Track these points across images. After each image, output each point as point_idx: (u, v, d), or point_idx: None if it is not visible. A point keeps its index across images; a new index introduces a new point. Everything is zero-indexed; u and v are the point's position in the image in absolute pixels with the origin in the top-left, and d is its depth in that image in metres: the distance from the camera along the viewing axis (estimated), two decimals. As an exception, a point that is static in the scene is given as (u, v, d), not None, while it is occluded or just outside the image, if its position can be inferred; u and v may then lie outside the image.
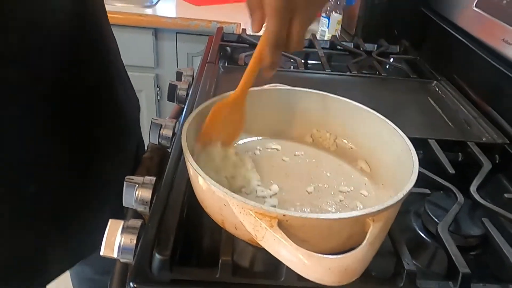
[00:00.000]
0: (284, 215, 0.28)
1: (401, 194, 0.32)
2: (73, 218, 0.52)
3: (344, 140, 0.47)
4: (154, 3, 1.29)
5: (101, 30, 0.52)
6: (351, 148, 0.47)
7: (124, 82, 0.62)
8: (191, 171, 0.36)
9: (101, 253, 0.39)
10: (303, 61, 0.81)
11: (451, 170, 0.48)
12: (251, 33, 0.97)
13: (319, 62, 0.80)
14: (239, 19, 1.19)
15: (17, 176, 0.44)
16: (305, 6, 0.35)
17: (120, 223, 0.40)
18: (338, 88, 0.71)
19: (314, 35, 0.91)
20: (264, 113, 0.48)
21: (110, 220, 0.40)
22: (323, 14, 1.00)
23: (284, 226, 0.29)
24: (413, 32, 0.92)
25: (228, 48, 0.88)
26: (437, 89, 0.72)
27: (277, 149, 0.47)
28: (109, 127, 0.55)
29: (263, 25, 0.37)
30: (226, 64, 0.81)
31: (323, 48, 0.86)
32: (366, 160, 0.45)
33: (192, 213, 0.42)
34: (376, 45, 0.90)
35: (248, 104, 0.46)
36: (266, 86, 0.49)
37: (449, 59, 0.80)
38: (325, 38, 1.00)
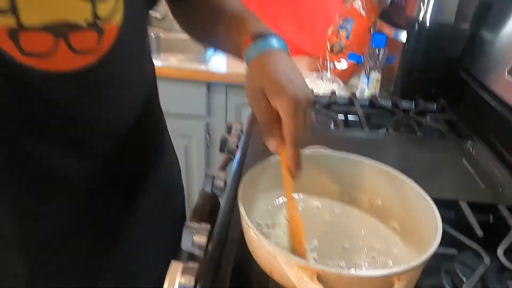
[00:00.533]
0: (322, 270, 0.35)
1: (424, 257, 0.37)
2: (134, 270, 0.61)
3: (378, 201, 0.53)
4: (207, 59, 1.43)
5: (152, 97, 0.61)
6: (384, 208, 0.52)
7: (169, 146, 0.70)
8: (244, 225, 0.43)
9: (163, 291, 0.46)
10: (342, 119, 0.88)
11: (479, 234, 0.52)
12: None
13: (358, 120, 0.87)
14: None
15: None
16: (308, 104, 0.43)
17: (180, 264, 0.47)
18: (376, 146, 0.77)
19: (354, 94, 0.99)
20: (306, 174, 0.54)
21: (171, 261, 0.48)
22: (363, 73, 1.08)
23: (322, 279, 0.35)
24: (450, 91, 0.97)
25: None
26: (472, 150, 0.76)
27: (318, 207, 0.54)
28: (154, 191, 0.63)
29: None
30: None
31: (362, 106, 0.93)
32: (397, 220, 0.50)
33: (243, 259, 0.48)
34: (413, 103, 0.96)
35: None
36: (308, 150, 0.57)
37: (485, 120, 0.84)
38: (365, 96, 1.07)
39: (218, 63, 1.44)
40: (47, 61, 0.40)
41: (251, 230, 0.41)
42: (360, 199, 0.54)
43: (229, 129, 0.90)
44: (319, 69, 1.32)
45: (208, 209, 0.69)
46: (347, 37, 1.22)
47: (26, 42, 0.38)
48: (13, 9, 0.37)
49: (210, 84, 1.38)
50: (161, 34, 1.75)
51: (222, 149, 0.86)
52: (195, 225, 0.54)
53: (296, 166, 0.45)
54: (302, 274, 0.35)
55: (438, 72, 1.00)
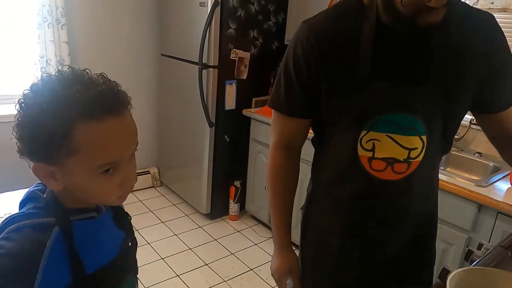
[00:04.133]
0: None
1: None
2: None
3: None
4: (487, 184, 1.63)
5: (434, 199, 1.05)
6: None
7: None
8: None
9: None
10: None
11: None
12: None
13: None
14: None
15: None
16: None
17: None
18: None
19: None
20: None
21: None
22: None
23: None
24: None
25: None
26: None
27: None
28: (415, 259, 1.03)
29: None
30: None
31: None
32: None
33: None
34: None
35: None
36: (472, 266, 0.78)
37: None
38: None
39: (497, 191, 1.61)
40: (381, 174, 0.88)
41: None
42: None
43: (479, 247, 1.13)
44: None
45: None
46: None
47: (374, 164, 0.88)
48: (373, 150, 0.87)
49: (481, 206, 1.57)
50: (453, 151, 2.04)
51: (466, 258, 1.12)
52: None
53: None
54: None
55: None
